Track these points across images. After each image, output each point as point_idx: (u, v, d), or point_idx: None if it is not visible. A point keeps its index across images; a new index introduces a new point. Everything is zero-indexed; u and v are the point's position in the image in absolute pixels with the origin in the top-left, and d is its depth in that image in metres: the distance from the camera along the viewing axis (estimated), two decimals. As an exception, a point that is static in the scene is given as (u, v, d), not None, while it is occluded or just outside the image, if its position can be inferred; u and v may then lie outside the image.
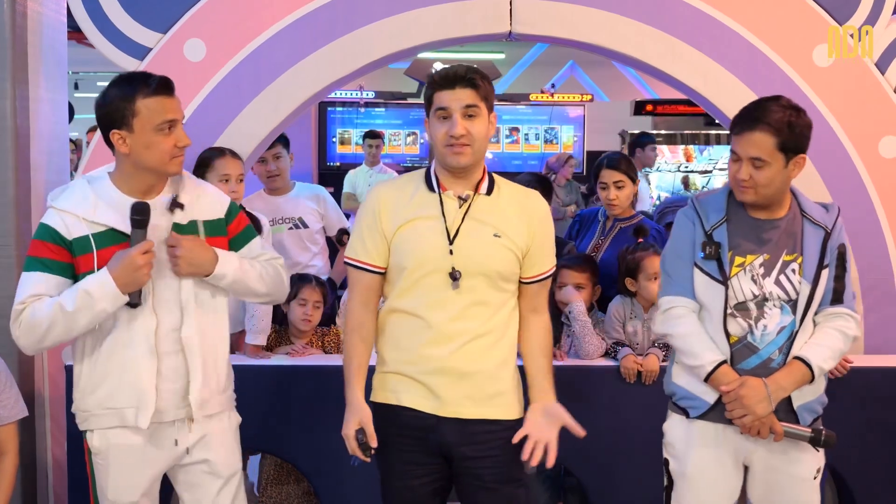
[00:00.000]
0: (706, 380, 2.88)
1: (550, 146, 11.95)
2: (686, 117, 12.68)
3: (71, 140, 6.51)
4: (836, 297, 2.90)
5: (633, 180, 4.29)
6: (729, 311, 2.89)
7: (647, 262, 3.82)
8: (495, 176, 2.87)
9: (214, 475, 2.94)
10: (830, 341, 2.87)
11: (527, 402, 2.86)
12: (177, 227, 2.82)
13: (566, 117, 12.11)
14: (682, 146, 12.48)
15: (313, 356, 3.91)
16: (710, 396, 2.92)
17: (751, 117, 2.83)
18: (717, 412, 2.92)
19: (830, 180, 4.08)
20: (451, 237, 2.74)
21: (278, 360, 3.82)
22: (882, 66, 4.08)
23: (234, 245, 2.97)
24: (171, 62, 3.95)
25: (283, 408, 3.68)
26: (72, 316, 2.68)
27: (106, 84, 2.81)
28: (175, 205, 2.81)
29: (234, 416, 3.03)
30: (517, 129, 12.02)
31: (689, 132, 12.72)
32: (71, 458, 3.67)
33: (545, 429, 2.74)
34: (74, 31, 4.18)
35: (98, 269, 2.71)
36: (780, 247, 2.90)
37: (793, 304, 2.88)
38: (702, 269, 2.91)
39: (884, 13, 4.05)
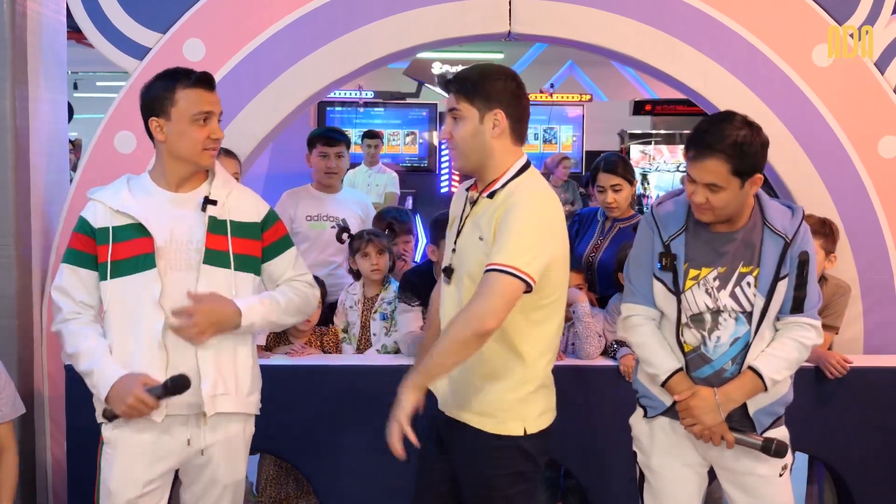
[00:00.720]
0: (662, 386, 2.92)
1: (549, 146, 11.97)
2: (685, 117, 12.68)
3: (70, 140, 6.51)
4: (797, 305, 2.86)
5: (631, 182, 4.27)
6: (684, 321, 2.90)
7: None
8: (522, 178, 2.73)
9: (218, 480, 2.94)
10: (786, 352, 2.86)
11: None
12: (212, 221, 2.86)
13: (565, 117, 12.12)
14: (681, 146, 12.47)
15: (312, 356, 3.91)
16: (668, 398, 2.95)
17: (703, 143, 2.76)
18: (675, 410, 2.94)
19: (830, 180, 4.08)
20: (456, 237, 2.81)
21: (277, 359, 3.82)
22: (882, 65, 4.08)
23: (268, 253, 2.99)
24: (171, 62, 3.92)
25: (283, 408, 3.67)
26: (80, 371, 2.84)
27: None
28: (207, 202, 2.87)
29: (249, 426, 3.01)
30: (516, 129, 12.01)
31: (689, 132, 12.70)
32: (70, 458, 3.67)
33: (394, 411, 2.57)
34: (74, 31, 4.18)
35: (111, 262, 2.80)
36: (737, 259, 2.86)
37: (748, 315, 2.86)
38: (659, 280, 2.91)
39: (883, 13, 4.05)
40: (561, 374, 3.70)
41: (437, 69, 12.33)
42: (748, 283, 2.84)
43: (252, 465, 4.37)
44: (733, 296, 2.86)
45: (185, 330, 2.77)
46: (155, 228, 2.81)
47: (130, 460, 2.83)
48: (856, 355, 3.87)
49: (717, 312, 2.87)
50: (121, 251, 2.80)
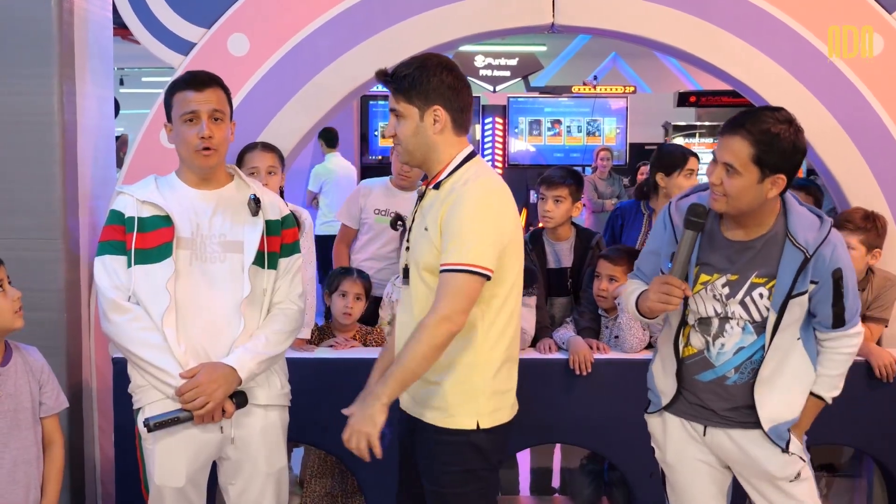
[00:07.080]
0: (637, 307, 2.90)
1: (593, 139, 11.89)
2: (730, 108, 12.54)
3: (115, 136, 6.58)
4: (837, 321, 2.75)
5: (655, 168, 4.31)
6: (691, 322, 2.85)
7: None
8: (466, 168, 2.75)
9: (260, 470, 2.98)
10: (837, 368, 2.83)
11: None
12: (269, 224, 2.99)
13: (608, 109, 12.02)
14: (727, 138, 12.36)
15: (356, 349, 3.92)
16: (665, 397, 2.93)
17: (736, 121, 2.64)
18: (675, 407, 2.93)
19: (879, 172, 4.01)
20: (409, 232, 2.81)
21: (322, 352, 3.83)
22: (933, 54, 4.00)
23: (283, 250, 3.05)
24: (215, 57, 3.97)
25: (327, 401, 3.67)
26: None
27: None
28: (257, 203, 2.97)
29: (284, 415, 3.08)
30: (559, 122, 11.95)
31: (734, 123, 12.56)
32: (118, 450, 3.71)
33: (360, 420, 2.64)
34: (120, 28, 4.22)
35: (135, 249, 2.85)
36: (752, 268, 2.74)
37: (758, 325, 2.77)
38: None
39: (936, 1, 3.98)
40: (604, 368, 3.69)
41: (479, 62, 12.31)
42: (760, 295, 2.74)
43: (296, 459, 4.39)
44: (743, 304, 2.77)
45: (204, 411, 2.82)
46: (179, 220, 2.89)
47: (171, 454, 2.89)
48: (903, 347, 3.80)
49: (724, 319, 2.80)
50: (145, 241, 2.87)
